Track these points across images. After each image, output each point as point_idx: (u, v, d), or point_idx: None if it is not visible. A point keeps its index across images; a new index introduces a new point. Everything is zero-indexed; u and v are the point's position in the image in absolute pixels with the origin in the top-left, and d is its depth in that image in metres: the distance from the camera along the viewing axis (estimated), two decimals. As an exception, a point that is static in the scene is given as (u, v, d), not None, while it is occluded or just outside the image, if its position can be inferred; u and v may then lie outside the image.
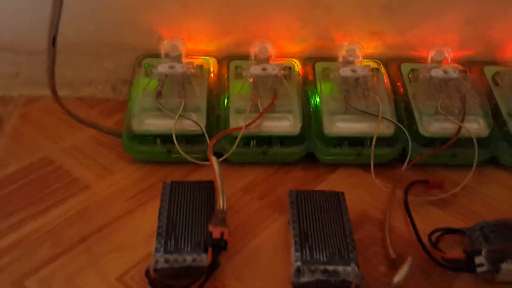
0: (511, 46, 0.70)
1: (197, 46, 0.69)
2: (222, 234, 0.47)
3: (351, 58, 0.67)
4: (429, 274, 0.50)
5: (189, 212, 0.51)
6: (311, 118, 0.63)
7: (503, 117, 0.63)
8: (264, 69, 0.63)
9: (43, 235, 0.53)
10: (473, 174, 0.58)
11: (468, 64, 0.69)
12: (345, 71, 0.63)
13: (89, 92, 0.72)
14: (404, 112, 0.63)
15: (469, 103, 0.62)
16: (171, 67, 0.63)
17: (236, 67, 0.68)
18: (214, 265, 0.47)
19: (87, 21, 0.67)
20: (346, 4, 0.67)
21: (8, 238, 0.53)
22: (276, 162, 0.62)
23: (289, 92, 0.63)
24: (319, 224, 0.51)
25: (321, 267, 0.47)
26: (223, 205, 0.49)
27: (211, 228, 0.48)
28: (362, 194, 0.59)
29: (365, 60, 0.67)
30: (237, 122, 0.60)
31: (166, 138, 0.59)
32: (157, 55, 0.67)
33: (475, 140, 0.59)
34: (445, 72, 0.64)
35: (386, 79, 0.67)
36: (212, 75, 0.67)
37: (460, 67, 0.66)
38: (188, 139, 0.60)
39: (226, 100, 0.63)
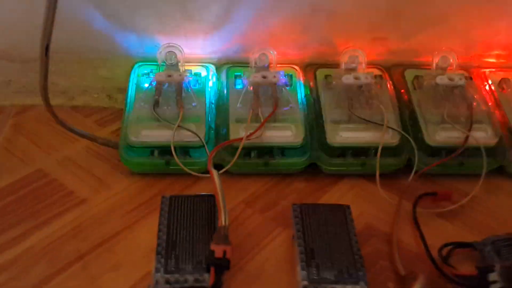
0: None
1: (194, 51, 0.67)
2: (224, 252, 0.45)
3: (353, 65, 0.65)
4: (440, 291, 0.49)
5: (189, 228, 0.49)
6: (313, 127, 0.61)
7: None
8: (264, 77, 0.62)
9: (39, 251, 0.51)
10: (481, 184, 0.56)
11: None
12: (348, 79, 0.62)
13: (84, 100, 0.70)
14: (409, 120, 0.62)
15: (476, 111, 0.61)
16: (169, 75, 0.61)
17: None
18: (216, 285, 0.45)
19: (81, 27, 0.65)
20: (348, 9, 0.65)
21: (3, 256, 0.50)
22: (278, 173, 0.60)
23: (290, 100, 0.62)
24: (325, 239, 0.49)
25: (329, 287, 0.45)
26: (225, 222, 0.47)
27: (213, 246, 0.46)
28: (367, 205, 0.57)
29: (367, 66, 0.65)
30: (237, 132, 0.59)
31: (164, 150, 0.58)
32: (153, 62, 0.65)
33: (483, 149, 0.57)
34: (450, 79, 0.62)
35: (389, 86, 0.65)
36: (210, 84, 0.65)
37: (466, 74, 0.64)
38: (187, 150, 0.58)
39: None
